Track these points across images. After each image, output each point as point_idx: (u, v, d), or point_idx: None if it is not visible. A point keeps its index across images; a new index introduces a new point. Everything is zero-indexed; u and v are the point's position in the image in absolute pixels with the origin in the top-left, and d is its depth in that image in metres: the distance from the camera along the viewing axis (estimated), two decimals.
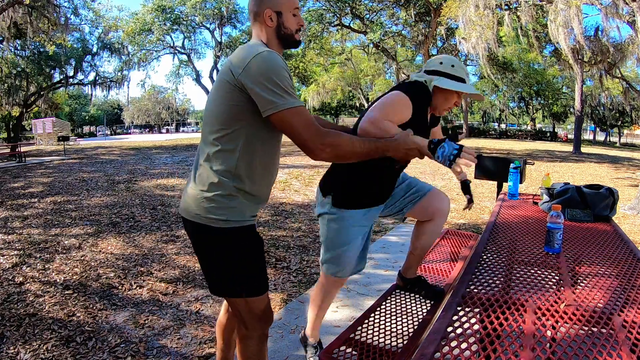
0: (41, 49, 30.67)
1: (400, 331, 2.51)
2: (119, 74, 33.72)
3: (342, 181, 2.61)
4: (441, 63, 2.52)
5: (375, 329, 2.52)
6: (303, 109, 1.93)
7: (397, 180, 2.81)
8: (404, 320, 2.64)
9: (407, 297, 2.99)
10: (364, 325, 2.56)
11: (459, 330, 1.58)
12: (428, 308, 2.80)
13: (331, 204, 2.60)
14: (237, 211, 2.03)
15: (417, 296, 2.99)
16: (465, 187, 3.46)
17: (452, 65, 2.50)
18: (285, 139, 2.12)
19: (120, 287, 4.63)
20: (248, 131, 1.98)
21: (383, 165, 2.47)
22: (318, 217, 2.75)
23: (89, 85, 36.86)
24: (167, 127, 79.24)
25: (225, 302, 2.47)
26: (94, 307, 4.14)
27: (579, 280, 2.08)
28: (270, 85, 1.84)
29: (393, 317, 2.68)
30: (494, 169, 6.72)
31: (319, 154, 1.91)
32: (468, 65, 46.75)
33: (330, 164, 2.66)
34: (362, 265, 2.89)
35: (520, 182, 4.58)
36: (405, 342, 2.37)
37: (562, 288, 1.97)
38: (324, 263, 2.77)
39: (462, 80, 2.49)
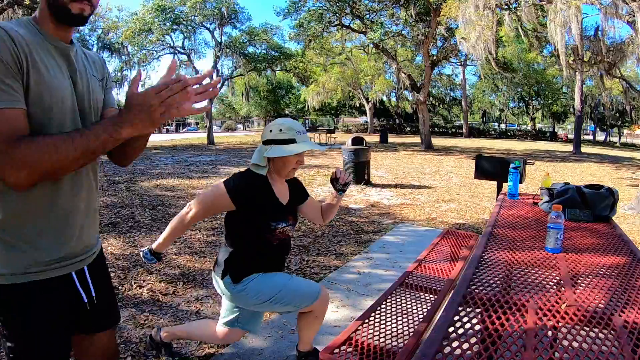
0: None
1: (401, 331, 2.51)
2: (119, 74, 33.67)
3: (232, 259, 2.66)
4: (271, 131, 2.61)
5: (376, 329, 2.52)
6: None
7: (288, 252, 2.93)
8: (405, 320, 2.64)
9: (407, 296, 2.99)
10: (364, 325, 2.55)
11: (460, 331, 1.58)
12: (429, 308, 2.80)
13: (231, 282, 2.65)
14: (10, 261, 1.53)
15: (418, 296, 2.99)
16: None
17: (280, 130, 2.58)
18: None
19: (120, 287, 4.62)
20: None
21: (262, 243, 2.66)
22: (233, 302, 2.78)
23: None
24: (167, 127, 79.26)
25: None
26: None
27: (579, 281, 2.08)
28: None
29: (393, 317, 2.67)
30: (494, 169, 6.74)
31: (14, 180, 1.38)
32: (468, 65, 46.79)
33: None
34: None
35: (520, 182, 4.58)
36: (405, 342, 2.37)
37: (562, 288, 1.97)
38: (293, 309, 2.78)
39: (294, 141, 2.57)
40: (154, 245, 2.71)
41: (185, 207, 2.61)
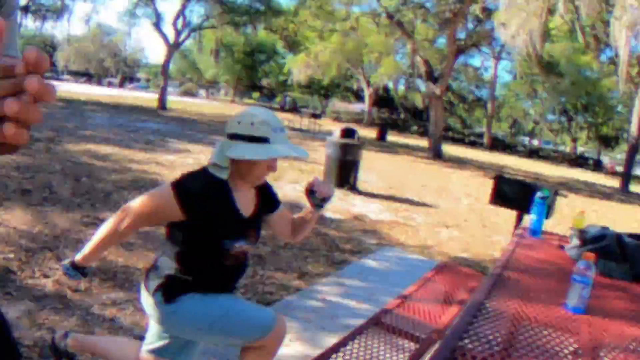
0: None
1: None
2: (59, 2, 33.35)
3: (169, 273, 2.57)
4: (239, 123, 2.48)
5: None
6: None
7: (242, 273, 2.86)
8: None
9: (381, 340, 2.99)
10: None
11: None
12: (407, 357, 2.80)
13: (162, 301, 2.55)
14: None
15: (395, 341, 2.99)
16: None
17: (252, 123, 2.45)
18: None
19: (19, 273, 4.57)
20: None
21: (212, 263, 2.60)
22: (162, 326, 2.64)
23: (18, 11, 36.48)
24: (110, 79, 78.36)
25: None
26: None
27: (603, 353, 2.09)
28: None
29: None
30: (516, 195, 6.77)
31: None
32: (503, 59, 46.91)
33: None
34: None
35: (547, 217, 4.61)
36: None
37: (580, 359, 1.98)
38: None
39: (267, 140, 2.46)
40: (77, 257, 2.59)
41: (119, 211, 2.47)
